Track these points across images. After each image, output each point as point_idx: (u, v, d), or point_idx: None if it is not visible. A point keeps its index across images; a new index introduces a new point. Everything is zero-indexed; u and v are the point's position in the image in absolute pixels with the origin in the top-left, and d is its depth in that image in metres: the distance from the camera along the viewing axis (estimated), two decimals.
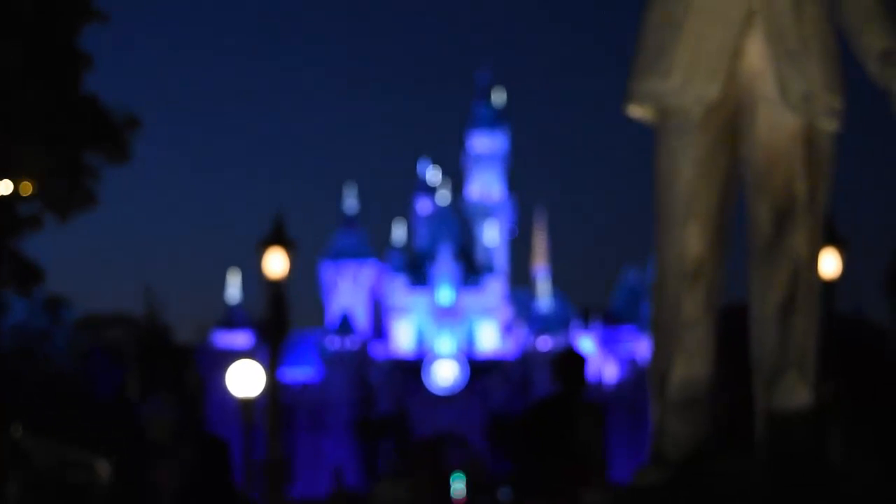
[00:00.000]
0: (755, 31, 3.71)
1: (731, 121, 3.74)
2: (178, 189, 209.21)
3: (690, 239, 3.70)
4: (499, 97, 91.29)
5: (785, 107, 3.69)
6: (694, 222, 3.69)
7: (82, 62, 14.41)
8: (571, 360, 6.64)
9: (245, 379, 17.65)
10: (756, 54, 3.72)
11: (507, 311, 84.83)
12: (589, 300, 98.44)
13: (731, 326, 3.85)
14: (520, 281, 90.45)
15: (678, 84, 3.69)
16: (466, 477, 67.47)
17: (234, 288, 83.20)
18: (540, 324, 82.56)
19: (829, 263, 14.63)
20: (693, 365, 3.69)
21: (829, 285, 14.60)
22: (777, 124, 3.71)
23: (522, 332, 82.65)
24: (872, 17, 3.71)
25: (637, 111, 3.84)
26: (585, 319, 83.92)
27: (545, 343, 79.22)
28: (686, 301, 3.69)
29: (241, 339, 79.37)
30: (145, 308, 63.33)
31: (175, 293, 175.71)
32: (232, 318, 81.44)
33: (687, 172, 3.69)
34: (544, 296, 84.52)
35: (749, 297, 3.79)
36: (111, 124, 14.35)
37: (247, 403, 17.29)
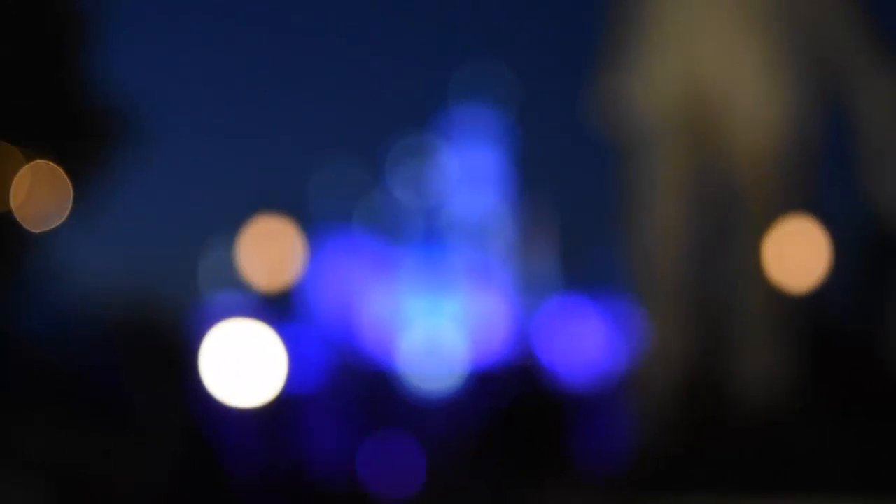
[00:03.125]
0: (725, 34, 3.69)
1: (705, 120, 3.71)
2: (168, 179, 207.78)
3: (671, 234, 3.68)
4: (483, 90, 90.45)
5: (760, 105, 3.68)
6: (672, 222, 3.66)
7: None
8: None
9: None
10: (727, 55, 3.69)
11: None
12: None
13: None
14: None
15: (646, 87, 3.69)
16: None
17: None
18: None
19: (816, 253, 14.56)
20: (673, 356, 3.68)
21: (815, 274, 14.53)
22: (756, 125, 3.70)
23: None
24: None
25: (606, 113, 3.79)
26: None
27: None
28: (670, 295, 3.68)
29: None
30: (135, 293, 62.87)
31: (165, 280, 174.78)
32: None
33: (662, 170, 3.67)
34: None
35: (735, 287, 3.78)
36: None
37: None
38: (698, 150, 3.75)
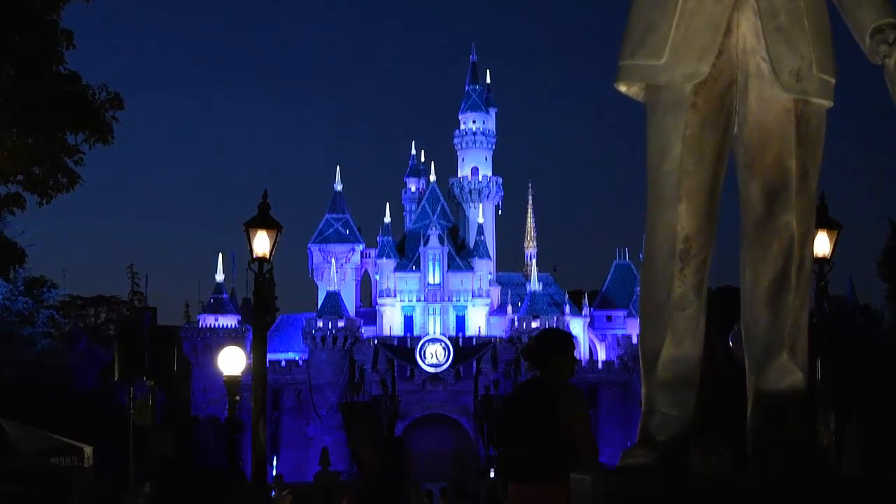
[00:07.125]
0: (747, 8, 3.64)
1: (722, 98, 3.65)
2: (170, 173, 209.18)
3: (681, 218, 3.61)
4: (487, 78, 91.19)
5: (776, 83, 3.62)
6: (684, 201, 3.60)
7: (63, 40, 14.22)
8: (548, 343, 6.56)
9: (231, 361, 17.56)
10: (747, 31, 3.64)
11: (496, 293, 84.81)
12: (580, 282, 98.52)
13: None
14: (509, 263, 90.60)
15: (668, 62, 3.61)
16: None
17: (221, 270, 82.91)
18: (530, 305, 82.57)
19: (822, 244, 14.52)
20: (683, 345, 3.61)
21: (821, 266, 14.51)
22: (768, 101, 3.64)
23: (512, 313, 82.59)
24: None
25: (627, 88, 3.76)
26: (577, 301, 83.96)
27: (535, 325, 79.19)
28: (676, 281, 3.61)
29: (227, 321, 79.35)
30: (129, 288, 63.28)
31: (164, 277, 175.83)
32: (219, 300, 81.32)
33: (677, 150, 3.60)
34: (534, 277, 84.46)
35: (740, 277, 3.72)
36: (93, 104, 14.17)
37: (232, 386, 17.18)
38: (721, 123, 3.64)
